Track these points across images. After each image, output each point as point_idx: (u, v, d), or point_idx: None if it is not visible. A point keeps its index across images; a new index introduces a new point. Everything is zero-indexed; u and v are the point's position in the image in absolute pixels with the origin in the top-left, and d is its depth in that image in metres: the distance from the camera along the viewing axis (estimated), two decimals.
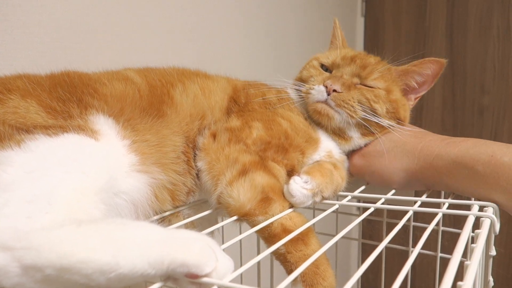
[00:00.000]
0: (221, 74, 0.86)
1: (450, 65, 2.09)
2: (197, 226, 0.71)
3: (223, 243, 0.52)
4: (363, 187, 0.79)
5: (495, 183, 0.64)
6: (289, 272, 0.60)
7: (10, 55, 0.80)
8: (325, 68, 0.86)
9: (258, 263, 0.69)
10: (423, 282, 2.09)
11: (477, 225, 0.57)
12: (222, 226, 0.62)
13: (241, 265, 0.44)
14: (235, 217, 0.64)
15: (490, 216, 0.58)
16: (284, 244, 0.59)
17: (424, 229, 0.54)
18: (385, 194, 0.70)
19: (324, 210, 0.65)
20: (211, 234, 0.63)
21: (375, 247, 0.48)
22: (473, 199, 0.70)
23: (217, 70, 0.87)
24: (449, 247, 0.55)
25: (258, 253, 0.72)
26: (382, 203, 0.66)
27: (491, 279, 0.68)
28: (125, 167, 0.59)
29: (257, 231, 0.61)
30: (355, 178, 0.85)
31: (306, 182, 0.66)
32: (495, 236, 0.62)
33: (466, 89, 2.08)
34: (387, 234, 0.54)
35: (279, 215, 0.62)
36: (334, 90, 0.78)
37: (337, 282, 0.60)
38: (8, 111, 0.55)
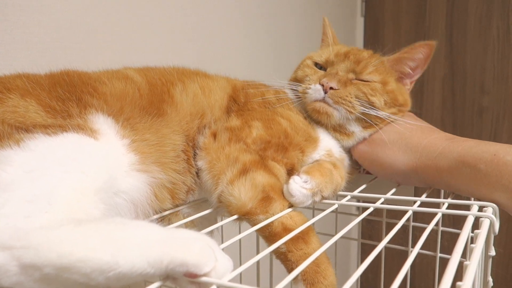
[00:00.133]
0: (221, 74, 0.87)
1: (449, 65, 2.09)
2: (197, 225, 0.71)
3: (222, 242, 0.52)
4: (362, 187, 0.79)
5: (497, 181, 0.64)
6: (290, 271, 0.60)
7: (10, 55, 0.80)
8: (320, 66, 0.87)
9: (258, 262, 0.69)
10: (423, 282, 2.09)
11: (476, 225, 0.57)
12: (222, 226, 0.62)
13: (240, 265, 0.44)
14: (235, 216, 0.64)
15: (490, 216, 0.58)
16: (284, 243, 0.59)
17: (424, 229, 0.54)
18: (385, 194, 0.70)
19: (324, 210, 0.65)
20: (211, 233, 0.63)
21: (374, 247, 0.48)
22: (472, 199, 0.70)
23: (217, 70, 0.87)
24: (448, 247, 0.55)
25: (258, 252, 0.72)
26: (382, 203, 0.66)
27: (490, 279, 0.68)
28: (125, 167, 0.59)
29: (257, 230, 0.61)
30: (355, 178, 0.85)
31: (306, 181, 0.66)
32: (495, 236, 0.62)
33: (466, 90, 2.08)
34: (386, 234, 0.54)
35: (280, 214, 0.62)
36: (331, 88, 0.78)
37: (337, 282, 0.60)
38: (7, 110, 0.55)
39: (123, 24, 1.02)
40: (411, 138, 0.77)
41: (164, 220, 0.68)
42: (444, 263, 0.50)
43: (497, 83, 2.01)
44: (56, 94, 0.60)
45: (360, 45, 2.31)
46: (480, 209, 0.62)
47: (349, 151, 0.85)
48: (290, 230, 0.60)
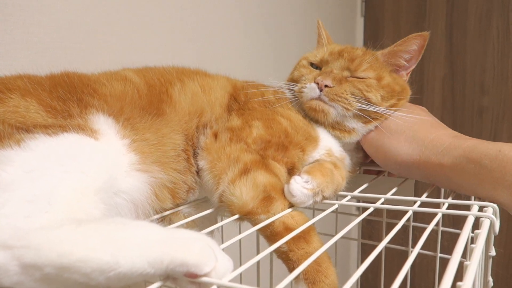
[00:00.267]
0: (221, 74, 0.87)
1: (449, 65, 2.09)
2: (198, 225, 0.71)
3: (222, 242, 0.52)
4: (362, 187, 0.79)
5: (501, 177, 0.64)
6: (292, 270, 0.60)
7: (10, 55, 0.80)
8: (315, 66, 0.88)
9: (258, 262, 0.69)
10: (423, 282, 2.09)
11: (476, 225, 0.57)
12: (222, 226, 0.62)
13: (240, 265, 0.44)
14: (236, 216, 0.64)
15: (490, 216, 0.58)
16: (286, 243, 0.59)
17: (424, 229, 0.54)
18: (385, 194, 0.70)
19: (324, 210, 0.65)
20: (211, 233, 0.63)
21: (374, 247, 0.48)
22: (473, 199, 0.70)
23: (217, 70, 0.87)
24: (448, 247, 0.55)
25: (258, 252, 0.72)
26: (382, 203, 0.66)
27: (490, 279, 0.68)
28: (125, 167, 0.60)
29: (259, 230, 0.62)
30: (355, 178, 0.85)
31: (307, 181, 0.66)
32: (495, 237, 0.62)
33: (466, 90, 2.08)
34: (386, 234, 0.54)
35: (281, 214, 0.62)
36: (326, 86, 0.79)
37: (338, 281, 0.60)
38: (8, 110, 0.55)
39: (123, 24, 1.02)
40: (418, 131, 0.77)
41: (165, 220, 0.68)
42: (444, 263, 0.50)
43: (497, 83, 2.01)
44: (57, 94, 0.60)
45: (359, 45, 2.29)
46: (480, 209, 0.62)
47: (349, 151, 0.85)
48: (291, 230, 0.60)
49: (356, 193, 0.76)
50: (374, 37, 2.29)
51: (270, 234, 0.62)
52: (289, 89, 0.86)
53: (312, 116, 0.81)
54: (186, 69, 0.81)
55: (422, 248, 0.50)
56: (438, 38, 2.10)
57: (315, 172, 0.68)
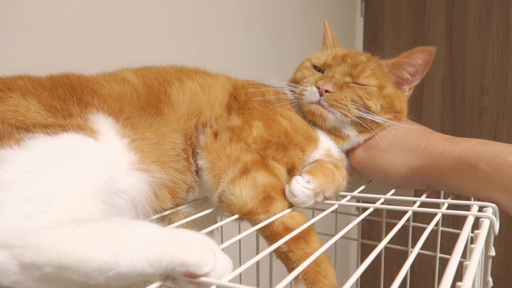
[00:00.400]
0: (221, 73, 0.87)
1: (449, 65, 2.09)
2: (198, 225, 0.71)
3: (222, 242, 0.52)
4: (362, 187, 0.79)
5: (498, 181, 0.64)
6: (291, 270, 0.60)
7: (10, 54, 0.80)
8: (318, 68, 0.87)
9: (257, 263, 0.69)
10: (422, 282, 2.09)
11: (476, 225, 0.57)
12: (221, 226, 0.62)
13: (240, 265, 0.44)
14: (236, 216, 0.64)
15: (490, 216, 0.58)
16: (285, 243, 0.59)
17: (424, 229, 0.54)
18: (385, 194, 0.70)
19: (324, 210, 0.65)
20: (211, 233, 0.63)
21: (374, 247, 0.48)
22: (472, 199, 0.70)
23: (217, 70, 0.87)
24: (448, 248, 0.55)
25: (257, 253, 0.72)
26: (382, 203, 0.66)
27: (490, 279, 0.68)
28: (125, 166, 0.60)
29: (258, 230, 0.62)
30: (354, 178, 0.85)
31: (308, 182, 0.66)
32: (494, 237, 0.62)
33: (466, 90, 2.08)
34: (386, 234, 0.54)
35: (280, 213, 0.62)
36: (327, 91, 0.79)
37: (337, 282, 0.60)
38: (8, 109, 0.55)
39: (123, 24, 1.02)
40: (409, 140, 0.77)
41: (165, 220, 0.68)
42: (444, 263, 0.50)
43: (497, 83, 2.01)
44: (57, 94, 0.60)
45: (359, 45, 2.31)
46: (480, 209, 0.62)
47: (347, 154, 0.85)
48: (291, 230, 0.60)
49: (355, 193, 0.76)
50: (374, 37, 2.29)
51: (269, 234, 0.62)
52: (290, 90, 0.85)
53: (310, 120, 0.81)
54: (185, 68, 0.81)
55: (422, 248, 0.50)
56: (438, 38, 2.10)
57: (316, 172, 0.68)
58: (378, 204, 0.66)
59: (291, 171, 0.74)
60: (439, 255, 0.81)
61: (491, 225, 0.58)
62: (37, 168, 0.47)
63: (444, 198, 0.72)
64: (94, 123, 0.59)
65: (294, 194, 0.64)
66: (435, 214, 0.59)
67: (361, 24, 2.32)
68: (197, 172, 0.72)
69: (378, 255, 0.48)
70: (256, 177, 0.65)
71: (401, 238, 0.78)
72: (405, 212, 0.60)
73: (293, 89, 0.84)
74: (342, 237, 0.57)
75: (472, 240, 0.54)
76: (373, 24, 2.30)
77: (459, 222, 0.58)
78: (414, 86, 0.88)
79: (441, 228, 0.80)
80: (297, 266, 0.56)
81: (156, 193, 0.64)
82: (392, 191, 0.74)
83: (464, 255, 0.49)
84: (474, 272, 0.42)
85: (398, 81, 0.86)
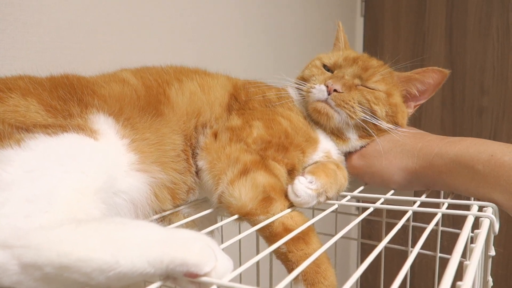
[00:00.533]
0: (221, 72, 0.87)
1: (449, 65, 2.09)
2: (198, 225, 0.71)
3: (222, 242, 0.52)
4: (362, 187, 0.79)
5: (495, 182, 0.64)
6: (291, 271, 0.60)
7: (9, 54, 0.80)
8: (327, 68, 0.87)
9: (257, 263, 0.68)
10: (422, 282, 2.09)
11: (476, 225, 0.57)
12: (222, 226, 0.62)
13: (240, 265, 0.44)
14: (235, 217, 0.64)
15: (490, 216, 0.58)
16: (285, 243, 0.59)
17: (424, 229, 0.54)
18: (385, 194, 0.70)
19: (324, 210, 0.65)
20: (211, 233, 0.63)
21: (374, 247, 0.48)
22: (472, 199, 0.70)
23: (217, 70, 0.87)
24: (448, 247, 0.55)
25: (257, 253, 0.72)
26: (382, 203, 0.67)
27: (490, 279, 0.68)
28: (125, 167, 0.60)
29: (258, 230, 0.62)
30: (354, 178, 0.85)
31: (311, 182, 0.66)
32: (494, 236, 0.62)
33: (466, 90, 2.08)
34: (386, 234, 0.54)
35: (280, 214, 0.62)
36: (335, 90, 0.78)
37: (337, 282, 0.60)
38: (8, 109, 0.55)
39: (123, 24, 1.02)
40: (404, 144, 0.77)
41: (165, 220, 0.68)
42: (444, 263, 0.50)
43: (496, 83, 2.01)
44: (57, 95, 0.60)
45: (359, 45, 2.31)
46: (480, 209, 0.62)
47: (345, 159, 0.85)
48: (290, 230, 0.60)
49: (356, 193, 0.76)
50: (374, 37, 2.29)
51: (269, 234, 0.62)
52: (297, 87, 0.85)
53: (315, 118, 0.81)
54: (184, 69, 0.81)
55: (422, 248, 0.50)
56: (438, 38, 2.10)
57: (319, 173, 0.68)
58: (378, 204, 0.66)
59: (291, 172, 0.74)
60: (439, 254, 0.81)
61: (491, 225, 0.58)
62: (37, 168, 0.48)
63: (444, 198, 0.72)
64: (94, 123, 0.59)
65: (297, 194, 0.64)
66: (435, 214, 0.59)
67: (361, 24, 2.32)
68: (197, 173, 0.72)
69: (378, 255, 0.48)
70: (256, 178, 0.65)
71: (401, 238, 0.78)
72: (405, 212, 0.60)
73: (300, 87, 0.84)
74: (342, 237, 0.57)
75: (472, 240, 0.54)
76: (373, 24, 2.30)
77: (459, 222, 0.58)
78: (419, 105, 0.87)
79: (441, 228, 0.80)
80: (297, 267, 0.56)
81: (156, 193, 0.63)
82: (392, 191, 0.74)
83: (464, 255, 0.49)
84: (474, 271, 0.42)
85: (405, 95, 0.86)
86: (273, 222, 0.62)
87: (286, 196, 0.66)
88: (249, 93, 0.81)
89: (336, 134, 0.81)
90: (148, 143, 0.64)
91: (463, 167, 0.67)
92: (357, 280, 0.64)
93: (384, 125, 0.79)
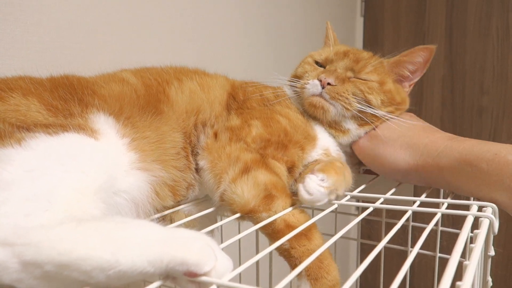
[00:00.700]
0: (220, 73, 0.87)
1: (449, 65, 2.09)
2: (197, 225, 0.71)
3: (222, 242, 0.52)
4: (362, 187, 0.79)
5: (499, 180, 0.64)
6: (294, 267, 0.61)
7: (9, 54, 0.80)
8: (320, 64, 0.88)
9: (257, 262, 0.69)
10: (422, 282, 2.09)
11: (476, 225, 0.57)
12: (221, 226, 0.62)
13: (240, 264, 0.44)
14: (237, 215, 0.65)
15: (489, 216, 0.58)
16: (287, 240, 0.60)
17: (423, 229, 0.54)
18: (384, 194, 0.70)
19: (323, 210, 0.65)
20: (211, 232, 0.63)
21: (374, 247, 0.48)
22: (472, 199, 0.70)
23: (217, 70, 0.87)
24: (448, 247, 0.55)
25: (257, 252, 0.72)
26: (381, 203, 0.67)
27: (489, 279, 0.68)
28: (125, 166, 0.60)
29: (260, 228, 0.62)
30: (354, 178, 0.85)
31: (323, 180, 0.66)
32: (494, 236, 0.62)
33: (465, 90, 2.08)
34: (386, 234, 0.54)
35: (283, 212, 0.63)
36: (329, 83, 0.79)
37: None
38: (9, 108, 0.55)
39: (123, 24, 1.02)
40: (412, 136, 0.77)
41: (166, 219, 0.69)
42: (443, 263, 0.50)
43: (496, 83, 2.01)
44: (58, 94, 0.61)
45: (359, 45, 2.31)
46: (480, 209, 0.62)
47: (346, 150, 0.86)
48: (292, 227, 0.60)
49: (355, 193, 0.76)
50: (374, 37, 2.29)
51: (271, 232, 0.63)
52: (291, 85, 0.86)
53: (311, 113, 0.82)
54: (184, 69, 0.82)
55: (421, 248, 0.50)
56: (438, 38, 2.10)
57: (329, 170, 0.68)
58: (377, 204, 0.66)
59: (291, 170, 0.75)
60: (438, 254, 0.81)
61: (491, 225, 0.58)
62: (37, 168, 0.48)
63: (443, 198, 0.72)
64: (95, 123, 0.59)
65: (310, 192, 0.65)
66: (434, 214, 0.59)
67: (361, 24, 2.32)
68: (196, 170, 0.72)
69: (378, 255, 0.48)
70: (257, 176, 0.66)
71: (401, 238, 0.78)
72: (404, 212, 0.60)
73: (294, 84, 0.85)
74: (341, 237, 0.57)
75: (471, 240, 0.54)
76: (373, 24, 2.30)
77: (458, 222, 0.58)
78: (414, 83, 0.89)
79: (440, 228, 0.80)
80: (300, 262, 0.58)
81: (157, 191, 0.64)
82: (392, 191, 0.74)
83: (463, 255, 0.50)
84: (474, 271, 0.42)
85: (398, 78, 0.87)
86: (275, 219, 0.62)
87: (287, 193, 0.67)
88: (247, 93, 0.82)
89: (335, 127, 0.82)
90: (148, 141, 0.64)
91: (467, 165, 0.67)
92: (356, 280, 0.64)
93: (381, 113, 0.80)
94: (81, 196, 0.48)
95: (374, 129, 0.82)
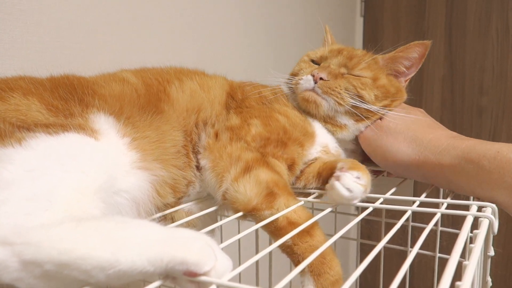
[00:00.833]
0: (220, 73, 0.87)
1: (449, 65, 2.09)
2: (199, 223, 0.72)
3: (221, 242, 0.52)
4: None
5: (499, 178, 0.64)
6: (296, 263, 0.61)
7: (9, 54, 0.80)
8: (315, 62, 0.90)
9: (257, 262, 0.69)
10: (422, 282, 2.09)
11: (475, 225, 0.57)
12: (221, 225, 0.62)
13: (239, 264, 0.44)
14: (238, 214, 0.65)
15: (489, 216, 0.58)
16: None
17: (423, 229, 0.54)
18: (384, 194, 0.70)
19: (323, 210, 0.65)
20: (212, 232, 0.63)
21: (373, 247, 0.48)
22: (472, 199, 0.70)
23: (217, 70, 0.87)
24: (447, 247, 0.55)
25: (257, 252, 0.72)
26: (381, 203, 0.67)
27: (489, 279, 0.68)
28: (126, 166, 0.60)
29: (262, 226, 0.62)
30: None
31: (358, 177, 0.66)
32: (494, 237, 0.62)
33: (465, 90, 2.08)
34: (385, 234, 0.54)
35: (286, 210, 0.63)
36: (321, 78, 0.81)
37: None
38: (9, 108, 0.55)
39: (123, 24, 1.02)
40: (417, 130, 0.77)
41: (167, 218, 0.69)
42: (443, 263, 0.50)
43: (496, 83, 2.01)
44: (58, 94, 0.61)
45: (359, 45, 2.31)
46: (479, 209, 0.62)
47: (347, 147, 0.86)
48: (294, 224, 0.61)
49: None
50: (374, 37, 2.29)
51: (274, 229, 0.63)
52: (287, 83, 0.88)
53: (305, 108, 0.83)
54: (184, 69, 0.83)
55: (421, 248, 0.50)
56: (438, 38, 2.11)
57: (361, 168, 0.69)
58: (377, 204, 0.66)
59: (292, 167, 0.75)
60: (438, 255, 0.81)
61: (490, 225, 0.58)
62: (37, 167, 0.48)
63: (443, 198, 0.72)
64: (95, 123, 0.59)
65: (350, 189, 0.65)
66: (434, 214, 0.59)
67: (361, 24, 2.32)
68: (197, 167, 0.73)
69: (377, 255, 0.48)
70: (259, 175, 0.66)
71: (400, 238, 0.78)
72: (404, 212, 0.60)
73: (290, 81, 0.87)
74: (341, 237, 0.57)
75: (471, 240, 0.54)
76: (372, 24, 2.30)
77: (458, 222, 0.58)
78: (409, 78, 0.89)
79: (440, 228, 0.80)
80: (302, 258, 0.58)
81: (157, 190, 0.65)
82: (392, 191, 0.74)
83: (463, 255, 0.49)
84: (473, 271, 0.42)
85: (393, 74, 0.88)
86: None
87: (289, 191, 0.67)
88: (245, 92, 0.83)
89: (330, 122, 0.83)
90: (149, 141, 0.65)
91: (468, 163, 0.67)
92: (356, 280, 0.64)
93: (375, 108, 0.81)
94: (81, 196, 0.48)
95: (380, 119, 0.82)
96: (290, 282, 0.59)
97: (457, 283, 0.40)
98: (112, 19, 0.99)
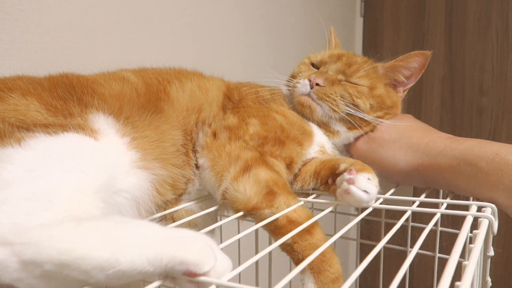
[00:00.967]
0: (219, 74, 0.88)
1: (448, 65, 2.09)
2: (199, 223, 0.72)
3: (221, 242, 0.52)
4: None
5: (498, 180, 0.64)
6: (297, 261, 0.61)
7: (9, 54, 0.80)
8: (315, 66, 0.90)
9: (256, 262, 0.69)
10: (421, 282, 2.09)
11: (475, 225, 0.57)
12: (221, 226, 0.62)
13: (239, 264, 0.44)
14: (239, 214, 0.65)
15: (489, 216, 0.58)
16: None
17: (422, 229, 0.54)
18: (384, 194, 0.70)
19: (323, 210, 0.65)
20: (212, 232, 0.63)
21: (373, 247, 0.48)
22: (471, 199, 0.70)
23: (217, 70, 0.87)
24: (447, 248, 0.55)
25: (257, 252, 0.72)
26: (381, 203, 0.67)
27: (489, 279, 0.68)
28: (126, 166, 0.60)
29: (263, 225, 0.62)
30: None
31: (369, 179, 0.66)
32: (493, 237, 0.62)
33: (465, 90, 2.08)
34: (385, 234, 0.54)
35: (286, 210, 0.63)
36: (317, 84, 0.81)
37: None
38: (8, 108, 0.55)
39: (123, 24, 1.02)
40: (412, 137, 0.77)
41: (167, 217, 0.69)
42: (443, 263, 0.51)
43: (496, 83, 2.01)
44: (57, 94, 0.61)
45: (359, 45, 2.31)
46: (479, 209, 0.62)
47: (340, 149, 0.86)
48: (294, 222, 0.61)
49: None
50: (374, 37, 2.29)
51: (274, 228, 0.63)
52: (286, 84, 0.88)
53: (300, 111, 0.83)
54: (183, 70, 0.83)
55: (420, 248, 0.50)
56: (438, 38, 2.11)
57: (369, 169, 0.68)
58: (377, 204, 0.66)
59: (290, 166, 0.76)
60: (438, 255, 0.81)
61: (490, 225, 0.58)
62: (37, 168, 0.48)
63: (443, 198, 0.72)
64: (95, 123, 0.59)
65: (368, 191, 0.64)
66: (434, 214, 0.59)
67: (361, 24, 2.32)
68: (196, 166, 0.73)
69: (377, 255, 0.48)
70: (258, 174, 0.66)
71: (400, 238, 0.78)
72: (404, 212, 0.60)
73: (288, 83, 0.87)
74: (341, 237, 0.57)
75: (471, 240, 0.54)
76: (372, 24, 2.30)
77: (458, 222, 0.58)
78: (408, 89, 0.89)
79: (440, 228, 0.80)
80: (303, 256, 0.59)
81: (157, 189, 0.65)
82: (391, 191, 0.74)
83: (463, 255, 0.50)
84: (473, 272, 0.42)
85: (393, 83, 0.87)
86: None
87: (288, 190, 0.67)
88: (242, 92, 0.84)
89: (324, 127, 0.83)
90: (148, 140, 0.65)
91: (467, 165, 0.67)
92: (356, 280, 0.64)
93: (369, 117, 0.81)
94: (81, 196, 0.48)
95: (371, 131, 0.82)
96: (290, 281, 0.59)
97: (457, 283, 0.40)
98: (112, 19, 0.99)
